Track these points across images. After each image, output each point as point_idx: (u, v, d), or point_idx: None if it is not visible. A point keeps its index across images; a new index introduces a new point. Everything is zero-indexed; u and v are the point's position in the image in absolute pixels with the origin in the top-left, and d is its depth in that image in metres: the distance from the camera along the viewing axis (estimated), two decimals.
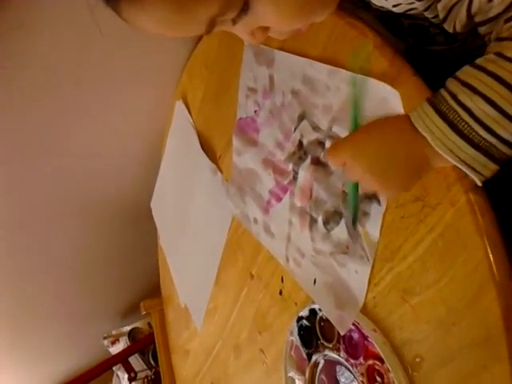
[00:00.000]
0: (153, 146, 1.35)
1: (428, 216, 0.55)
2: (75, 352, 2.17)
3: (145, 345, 1.92)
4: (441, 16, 0.55)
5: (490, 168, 0.47)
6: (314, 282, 0.76)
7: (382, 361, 0.62)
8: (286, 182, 0.79)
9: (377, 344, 0.63)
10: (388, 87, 0.59)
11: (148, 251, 1.56)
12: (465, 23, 0.53)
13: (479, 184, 0.49)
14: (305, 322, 0.78)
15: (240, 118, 0.90)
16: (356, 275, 0.67)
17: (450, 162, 0.48)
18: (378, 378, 0.64)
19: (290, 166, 0.77)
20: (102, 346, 2.13)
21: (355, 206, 0.63)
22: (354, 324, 0.67)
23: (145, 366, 2.05)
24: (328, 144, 0.68)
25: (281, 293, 0.87)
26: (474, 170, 0.47)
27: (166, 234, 1.39)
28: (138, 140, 1.37)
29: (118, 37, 1.01)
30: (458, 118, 0.46)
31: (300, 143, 0.74)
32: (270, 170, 0.82)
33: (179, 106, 1.21)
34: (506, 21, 0.48)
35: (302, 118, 0.73)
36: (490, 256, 0.48)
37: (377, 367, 0.64)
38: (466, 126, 0.46)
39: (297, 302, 0.82)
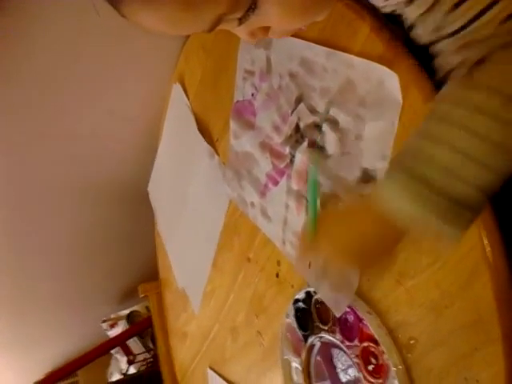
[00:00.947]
0: (150, 130, 1.35)
1: None
2: (74, 335, 2.18)
3: (143, 328, 1.93)
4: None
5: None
6: (309, 265, 0.76)
7: (376, 343, 0.63)
8: (282, 166, 0.79)
9: (371, 326, 0.63)
10: (386, 69, 0.58)
11: (146, 235, 1.57)
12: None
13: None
14: (301, 304, 0.78)
15: (237, 101, 0.90)
16: None
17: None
18: (373, 360, 0.64)
19: (287, 150, 0.77)
20: (101, 330, 2.14)
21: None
22: (349, 306, 0.67)
23: (143, 349, 2.07)
24: (325, 128, 0.68)
25: (277, 276, 0.87)
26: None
27: (164, 218, 1.39)
28: (135, 123, 1.36)
29: (116, 19, 1.00)
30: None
31: (297, 126, 0.74)
32: (267, 153, 0.82)
33: (176, 89, 1.20)
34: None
35: (299, 100, 0.73)
36: (484, 239, 0.48)
37: (372, 349, 0.64)
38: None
39: (293, 285, 0.82)
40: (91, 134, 1.28)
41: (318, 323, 0.74)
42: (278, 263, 0.86)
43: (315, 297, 0.75)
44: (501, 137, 0.42)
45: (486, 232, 0.48)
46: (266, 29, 0.50)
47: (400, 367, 0.60)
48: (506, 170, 0.42)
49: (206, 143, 1.05)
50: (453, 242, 0.44)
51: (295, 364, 0.81)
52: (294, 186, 0.77)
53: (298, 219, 0.77)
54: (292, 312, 0.80)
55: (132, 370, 2.00)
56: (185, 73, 1.22)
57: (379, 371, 0.63)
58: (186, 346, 1.37)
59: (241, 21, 0.45)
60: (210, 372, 1.16)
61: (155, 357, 1.85)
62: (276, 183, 0.82)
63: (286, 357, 0.83)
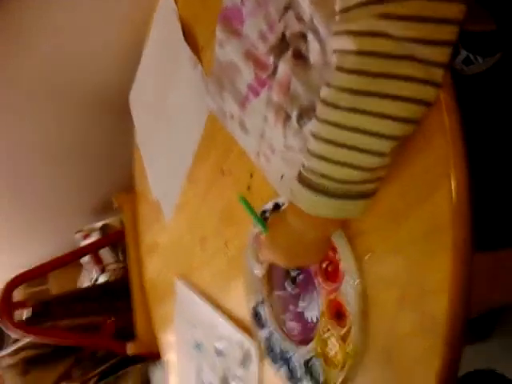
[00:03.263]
0: (136, 34, 1.30)
1: None
2: (47, 244, 2.19)
3: (115, 239, 1.95)
4: None
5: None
6: (282, 177, 0.78)
7: (334, 250, 0.66)
8: (265, 76, 0.79)
9: (333, 235, 0.66)
10: None
11: (124, 146, 1.56)
12: None
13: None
14: (268, 215, 0.80)
15: (226, 7, 0.88)
16: None
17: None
18: (330, 267, 0.67)
19: (271, 59, 0.76)
20: (75, 241, 2.17)
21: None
22: None
23: (114, 260, 2.11)
24: (310, 37, 0.67)
25: (248, 188, 0.89)
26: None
27: (143, 128, 1.38)
28: (121, 25, 1.32)
29: None
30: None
31: (283, 35, 0.73)
32: (251, 62, 0.81)
33: None
34: None
35: (287, 8, 0.72)
36: (450, 151, 0.50)
37: (330, 256, 0.67)
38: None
39: (263, 198, 0.84)
40: (74, 31, 1.24)
41: None
42: (251, 176, 0.88)
43: (283, 208, 0.77)
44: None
45: (452, 146, 0.50)
46: None
47: (354, 274, 0.63)
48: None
49: (190, 51, 1.03)
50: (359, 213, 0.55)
51: (257, 271, 0.84)
52: (275, 97, 0.77)
53: (275, 132, 0.78)
54: None
55: (102, 279, 2.05)
56: None
57: (335, 277, 0.66)
58: (156, 256, 1.41)
59: None
60: (177, 279, 1.20)
61: (125, 268, 1.88)
62: (257, 94, 0.82)
63: (249, 265, 0.86)
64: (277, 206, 0.78)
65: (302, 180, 0.54)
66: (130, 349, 1.53)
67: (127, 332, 1.61)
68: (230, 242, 0.96)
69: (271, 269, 0.82)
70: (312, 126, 0.52)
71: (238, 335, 0.92)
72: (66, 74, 1.39)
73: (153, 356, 1.56)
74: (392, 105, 0.45)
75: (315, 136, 0.51)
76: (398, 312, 0.56)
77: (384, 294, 0.59)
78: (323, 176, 0.51)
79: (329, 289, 0.67)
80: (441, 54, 0.44)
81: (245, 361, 0.90)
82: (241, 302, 0.89)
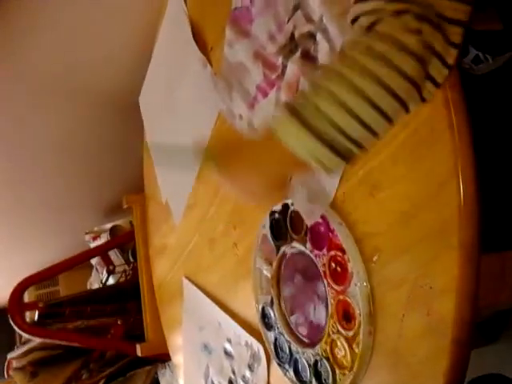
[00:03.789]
0: (146, 36, 1.31)
1: None
2: (58, 246, 2.21)
3: (125, 241, 1.96)
4: None
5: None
6: (290, 178, 0.77)
7: (343, 252, 0.65)
8: (274, 77, 0.79)
9: (341, 236, 0.65)
10: None
11: (134, 147, 1.56)
12: None
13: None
14: (277, 215, 0.80)
15: (235, 8, 0.88)
16: None
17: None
18: (338, 268, 0.67)
19: (280, 60, 0.76)
20: (84, 242, 2.18)
21: None
22: (322, 217, 0.69)
23: (123, 262, 2.12)
24: (319, 37, 0.67)
25: None
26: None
27: (152, 129, 1.39)
28: (131, 25, 1.32)
29: None
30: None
31: (292, 36, 0.73)
32: (260, 63, 0.81)
33: None
34: None
35: (296, 8, 0.72)
36: (458, 152, 0.50)
37: (338, 258, 0.67)
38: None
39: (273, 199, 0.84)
40: (85, 33, 1.25)
41: (290, 233, 0.77)
42: None
43: (291, 208, 0.77)
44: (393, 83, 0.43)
45: (460, 144, 0.50)
46: None
47: (362, 275, 0.63)
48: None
49: (199, 52, 1.03)
50: (333, 170, 0.48)
51: (266, 272, 0.84)
52: (283, 98, 0.77)
53: None
54: (268, 223, 0.82)
55: (111, 281, 2.05)
56: None
57: (343, 279, 0.66)
58: (165, 257, 1.41)
59: None
60: (185, 281, 1.20)
61: (134, 269, 1.89)
62: (265, 95, 0.82)
63: (258, 266, 0.86)
64: (286, 207, 0.78)
65: (292, 110, 0.47)
66: (140, 350, 1.53)
67: (137, 333, 1.61)
68: (239, 242, 0.96)
69: (280, 270, 0.81)
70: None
71: (246, 336, 0.91)
72: (80, 76, 1.40)
73: (162, 357, 1.56)
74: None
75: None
76: (406, 313, 0.56)
77: (392, 295, 0.59)
78: (324, 117, 0.45)
79: (337, 290, 0.67)
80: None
81: (253, 362, 0.90)
82: (249, 303, 0.89)
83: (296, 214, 0.75)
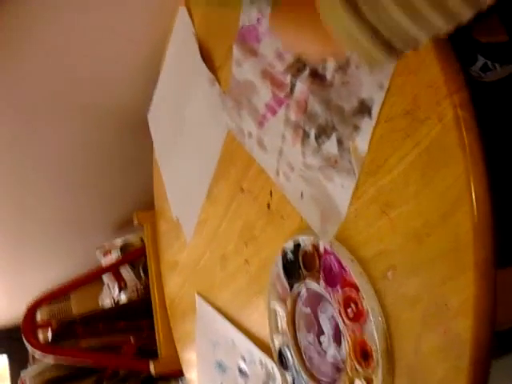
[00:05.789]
0: (153, 55, 1.32)
1: (416, 130, 0.56)
2: (68, 262, 2.23)
3: (136, 257, 1.97)
4: None
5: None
6: (302, 195, 0.77)
7: (357, 289, 0.65)
8: (282, 95, 0.79)
9: (354, 274, 0.65)
10: None
11: (143, 164, 1.57)
12: None
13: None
14: (289, 254, 0.80)
15: (242, 27, 0.89)
16: (341, 189, 0.68)
17: None
18: (353, 305, 0.66)
19: (288, 78, 0.76)
20: (95, 258, 2.19)
21: None
22: (333, 254, 0.69)
23: (134, 278, 2.12)
24: None
25: (268, 206, 0.89)
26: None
27: (161, 147, 1.39)
28: (138, 46, 1.34)
29: None
30: None
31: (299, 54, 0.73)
32: (268, 81, 0.82)
33: (182, 12, 1.17)
34: None
35: None
36: (470, 170, 0.49)
37: (352, 295, 0.66)
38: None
39: (283, 215, 0.84)
40: (93, 52, 1.27)
41: (303, 270, 0.76)
42: (271, 194, 0.88)
43: (302, 246, 0.76)
44: None
45: (472, 163, 0.49)
46: None
47: (377, 312, 0.62)
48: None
49: (207, 70, 1.04)
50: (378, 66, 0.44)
51: (280, 312, 0.83)
52: (292, 117, 0.77)
53: (294, 150, 0.78)
54: (280, 261, 0.82)
55: (123, 296, 2.06)
56: None
57: (359, 316, 0.65)
58: (176, 274, 1.41)
59: None
60: (198, 297, 1.20)
61: (146, 286, 1.89)
62: (274, 113, 0.82)
63: (272, 306, 0.85)
64: (297, 245, 0.78)
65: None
66: (154, 367, 1.53)
67: (150, 350, 1.61)
68: (251, 259, 0.96)
69: (295, 310, 0.80)
70: None
71: (260, 355, 0.91)
72: (89, 92, 1.41)
73: (176, 374, 1.56)
74: None
75: None
76: (422, 333, 0.55)
77: (407, 314, 0.58)
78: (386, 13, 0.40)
79: (353, 328, 0.66)
80: None
81: (268, 381, 0.89)
82: (262, 321, 0.88)
83: (308, 252, 0.75)
